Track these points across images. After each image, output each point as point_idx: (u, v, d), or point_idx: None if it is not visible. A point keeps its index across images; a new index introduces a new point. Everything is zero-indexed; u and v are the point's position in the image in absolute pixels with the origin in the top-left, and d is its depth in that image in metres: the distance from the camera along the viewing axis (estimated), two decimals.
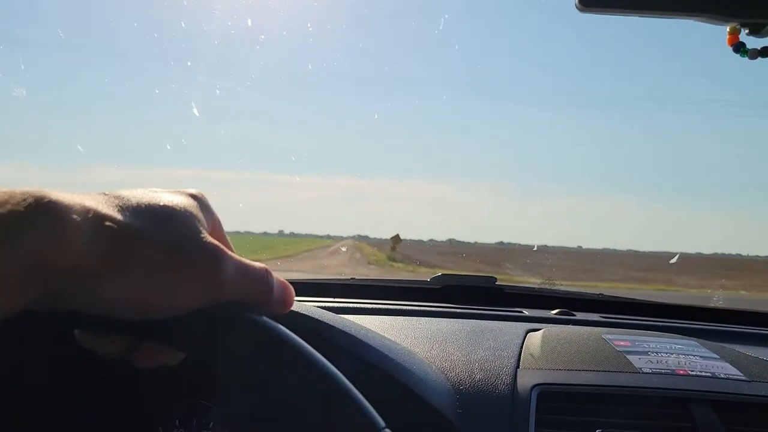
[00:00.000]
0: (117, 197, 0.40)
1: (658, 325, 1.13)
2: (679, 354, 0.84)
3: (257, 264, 0.44)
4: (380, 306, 1.14)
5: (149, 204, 0.40)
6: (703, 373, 0.78)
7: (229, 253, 0.42)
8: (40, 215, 0.34)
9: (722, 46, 0.65)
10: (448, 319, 1.02)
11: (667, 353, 0.84)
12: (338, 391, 0.39)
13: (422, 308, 1.15)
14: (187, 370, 0.48)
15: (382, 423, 0.38)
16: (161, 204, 0.41)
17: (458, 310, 1.16)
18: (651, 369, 0.79)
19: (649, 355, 0.83)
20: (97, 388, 0.65)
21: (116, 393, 0.66)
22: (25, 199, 0.33)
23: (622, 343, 0.87)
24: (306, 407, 0.39)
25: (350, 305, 1.11)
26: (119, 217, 0.38)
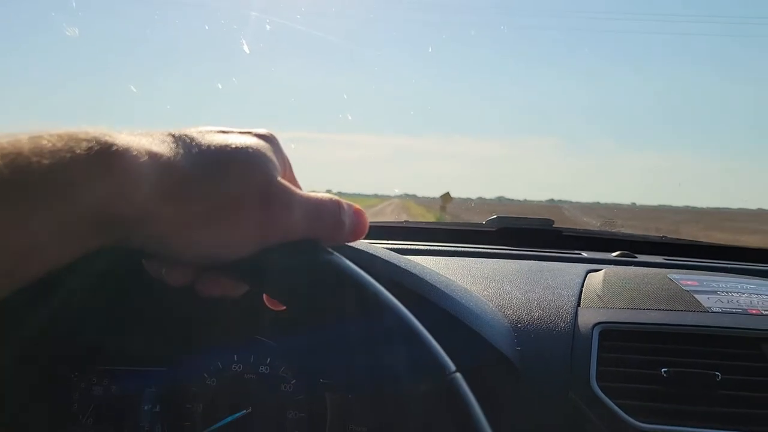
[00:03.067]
0: (186, 139, 0.38)
1: (726, 267, 1.08)
2: (750, 293, 0.80)
3: (328, 199, 0.42)
4: (434, 247, 1.12)
5: (219, 146, 0.38)
6: None
7: (300, 194, 0.40)
8: (107, 166, 0.32)
9: None
10: (504, 260, 1.00)
11: (737, 293, 0.80)
12: (408, 332, 0.37)
13: (477, 250, 1.13)
14: (246, 306, 0.48)
15: (452, 366, 0.36)
16: (232, 147, 0.39)
17: (514, 252, 1.13)
18: (721, 308, 0.75)
19: (718, 294, 0.79)
20: (160, 320, 0.66)
21: (179, 326, 0.67)
22: (90, 148, 0.32)
23: (689, 282, 0.83)
24: (373, 347, 0.37)
25: (405, 247, 1.10)
26: (188, 163, 0.37)
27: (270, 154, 0.41)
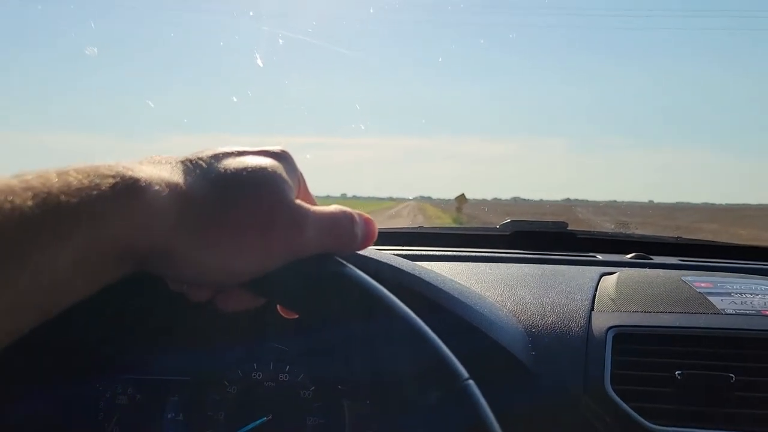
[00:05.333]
0: (202, 165, 0.39)
1: (742, 267, 1.07)
2: (764, 295, 0.81)
3: (341, 213, 0.43)
4: (449, 253, 1.13)
5: (234, 171, 0.39)
6: None
7: (314, 211, 0.41)
8: (129, 200, 0.33)
9: None
10: (518, 264, 1.00)
11: (751, 294, 0.81)
12: (421, 340, 0.38)
13: (491, 254, 1.14)
14: (265, 315, 0.49)
15: (465, 374, 0.37)
16: (246, 171, 0.40)
17: (528, 256, 1.14)
18: (734, 310, 0.76)
19: (732, 296, 0.80)
20: (184, 330, 0.68)
21: (200, 336, 0.69)
22: (115, 184, 0.33)
23: (702, 284, 0.84)
24: (386, 356, 0.38)
25: (419, 252, 1.11)
26: (205, 191, 0.38)
27: (284, 174, 0.42)
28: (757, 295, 0.80)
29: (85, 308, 0.35)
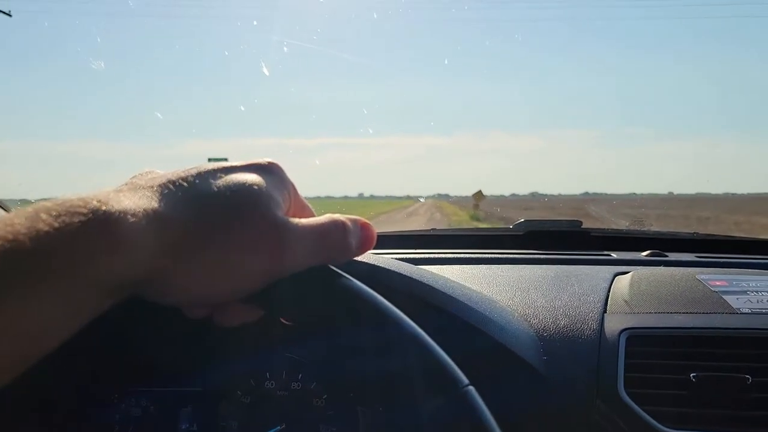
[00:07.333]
0: (184, 186, 0.38)
1: (760, 263, 1.06)
2: None
3: (332, 224, 0.43)
4: (461, 255, 1.12)
5: (217, 191, 0.39)
6: None
7: (304, 225, 0.41)
8: (102, 236, 0.33)
9: None
10: (531, 266, 1.00)
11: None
12: (419, 347, 0.38)
13: (505, 256, 1.13)
14: (272, 325, 0.49)
15: (465, 380, 0.37)
16: (230, 190, 0.39)
17: (542, 256, 1.13)
18: (750, 309, 0.74)
19: (748, 294, 0.78)
20: (194, 344, 0.68)
21: (211, 347, 0.69)
22: (86, 222, 0.32)
23: (718, 283, 0.82)
24: (387, 364, 0.38)
25: (431, 255, 1.10)
26: (188, 215, 0.37)
27: (270, 190, 0.41)
28: None
29: (95, 323, 0.36)
